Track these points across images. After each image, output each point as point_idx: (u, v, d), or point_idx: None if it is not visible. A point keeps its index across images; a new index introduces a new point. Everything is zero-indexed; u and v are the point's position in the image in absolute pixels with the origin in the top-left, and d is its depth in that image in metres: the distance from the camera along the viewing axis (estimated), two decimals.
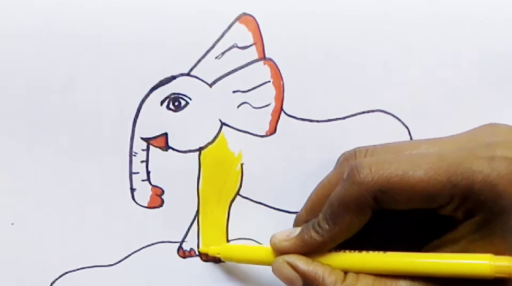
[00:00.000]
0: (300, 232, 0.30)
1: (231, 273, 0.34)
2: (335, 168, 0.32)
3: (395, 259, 0.28)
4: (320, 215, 0.29)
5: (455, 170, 0.25)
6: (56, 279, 0.33)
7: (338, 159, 0.32)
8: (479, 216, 0.26)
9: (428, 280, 0.27)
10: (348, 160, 0.31)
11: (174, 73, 0.32)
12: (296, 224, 0.33)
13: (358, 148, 0.31)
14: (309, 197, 0.32)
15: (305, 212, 0.32)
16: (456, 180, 0.25)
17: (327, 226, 0.28)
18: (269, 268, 0.30)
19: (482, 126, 0.30)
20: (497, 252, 0.26)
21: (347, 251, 0.29)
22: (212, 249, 0.33)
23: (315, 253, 0.29)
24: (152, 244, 0.33)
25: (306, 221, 0.30)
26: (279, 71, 0.32)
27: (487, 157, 0.26)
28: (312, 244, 0.29)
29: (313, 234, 0.29)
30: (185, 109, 0.32)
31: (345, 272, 0.28)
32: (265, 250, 0.31)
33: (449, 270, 0.26)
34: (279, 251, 0.30)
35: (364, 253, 0.28)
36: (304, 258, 0.29)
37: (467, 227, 0.26)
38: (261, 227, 0.34)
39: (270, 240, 0.30)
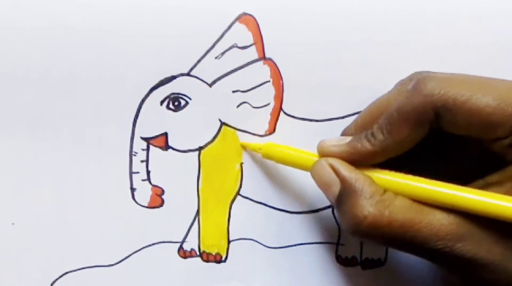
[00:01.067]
0: (351, 140, 0.29)
1: (232, 273, 0.34)
2: (395, 87, 0.31)
3: (435, 187, 0.27)
4: (375, 126, 0.28)
5: None
6: (57, 279, 0.33)
7: (399, 81, 0.31)
8: None
9: (463, 217, 0.26)
10: (412, 79, 0.29)
11: (174, 73, 0.32)
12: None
13: (422, 71, 0.30)
14: (360, 113, 0.32)
15: (354, 127, 0.31)
16: None
17: (381, 136, 0.28)
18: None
19: None
20: None
21: (388, 170, 0.28)
22: (253, 145, 0.32)
23: (361, 164, 0.28)
24: (153, 244, 0.33)
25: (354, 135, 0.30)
26: (278, 71, 0.32)
27: None
28: (361, 153, 0.28)
29: (365, 143, 0.28)
30: (185, 109, 0.32)
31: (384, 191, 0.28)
32: (308, 154, 0.30)
33: (487, 209, 0.26)
34: (325, 155, 0.29)
35: (404, 175, 0.28)
36: (347, 164, 0.28)
37: None
38: (262, 227, 0.34)
39: (318, 145, 0.30)
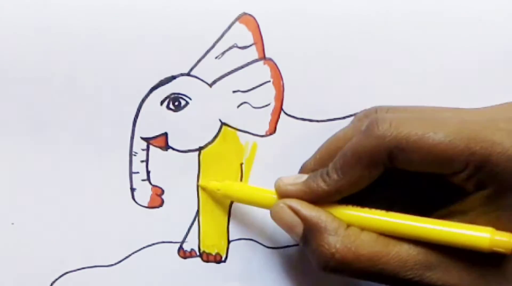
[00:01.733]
0: (307, 179, 0.29)
1: (232, 273, 0.34)
2: (352, 123, 0.32)
3: (399, 220, 0.27)
4: (330, 165, 0.28)
5: (474, 137, 0.25)
6: (56, 279, 0.33)
7: (356, 115, 0.32)
8: (490, 189, 0.25)
9: (430, 246, 0.26)
10: (368, 116, 0.30)
11: (174, 73, 0.32)
12: (301, 172, 0.32)
13: (379, 106, 0.31)
14: (319, 148, 0.32)
15: (313, 162, 0.32)
16: (474, 147, 0.25)
17: (335, 176, 0.28)
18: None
19: (508, 102, 0.29)
20: (502, 228, 0.25)
21: (351, 206, 0.28)
22: (212, 184, 0.33)
23: (318, 203, 0.29)
24: (153, 244, 0.33)
25: (313, 171, 0.30)
26: (279, 71, 0.32)
27: (509, 130, 0.25)
28: (317, 193, 0.28)
29: (320, 182, 0.28)
30: (185, 109, 0.32)
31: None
32: (267, 192, 0.31)
33: (448, 238, 0.26)
34: (282, 194, 0.30)
35: (368, 209, 0.28)
36: (306, 203, 0.29)
37: (477, 200, 0.26)
38: (261, 227, 0.34)
39: (275, 183, 0.30)
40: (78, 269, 0.33)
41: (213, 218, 0.33)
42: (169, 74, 0.32)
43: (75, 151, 0.32)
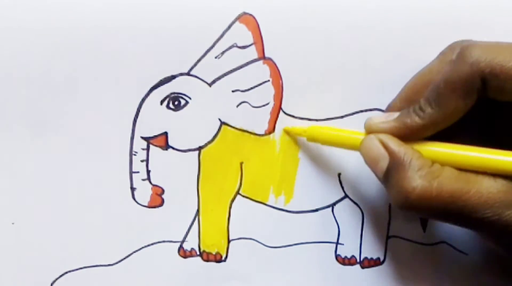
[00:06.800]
0: (400, 116, 0.29)
1: (232, 272, 0.34)
2: (437, 58, 0.31)
3: (482, 153, 0.27)
4: (422, 99, 0.28)
5: None
6: (57, 279, 0.33)
7: (441, 51, 0.31)
8: None
9: (509, 185, 0.26)
10: (453, 48, 0.30)
11: (174, 73, 0.32)
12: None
13: (463, 40, 0.30)
14: (404, 86, 0.32)
15: (399, 100, 0.32)
16: None
17: (429, 109, 0.28)
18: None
19: None
20: None
21: (433, 141, 0.29)
22: (297, 129, 0.33)
23: (410, 139, 0.29)
24: (153, 243, 0.33)
25: (400, 109, 0.30)
26: (278, 70, 0.32)
27: None
28: (411, 128, 0.28)
29: (414, 117, 0.28)
30: (185, 108, 0.32)
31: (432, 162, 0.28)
32: (356, 133, 0.31)
33: None
34: (373, 133, 0.30)
35: (450, 144, 0.28)
36: (396, 139, 0.29)
37: None
38: (262, 227, 0.34)
39: (365, 123, 0.30)
40: (79, 269, 0.33)
41: (213, 218, 0.34)
42: (169, 74, 0.32)
43: (75, 150, 0.32)
